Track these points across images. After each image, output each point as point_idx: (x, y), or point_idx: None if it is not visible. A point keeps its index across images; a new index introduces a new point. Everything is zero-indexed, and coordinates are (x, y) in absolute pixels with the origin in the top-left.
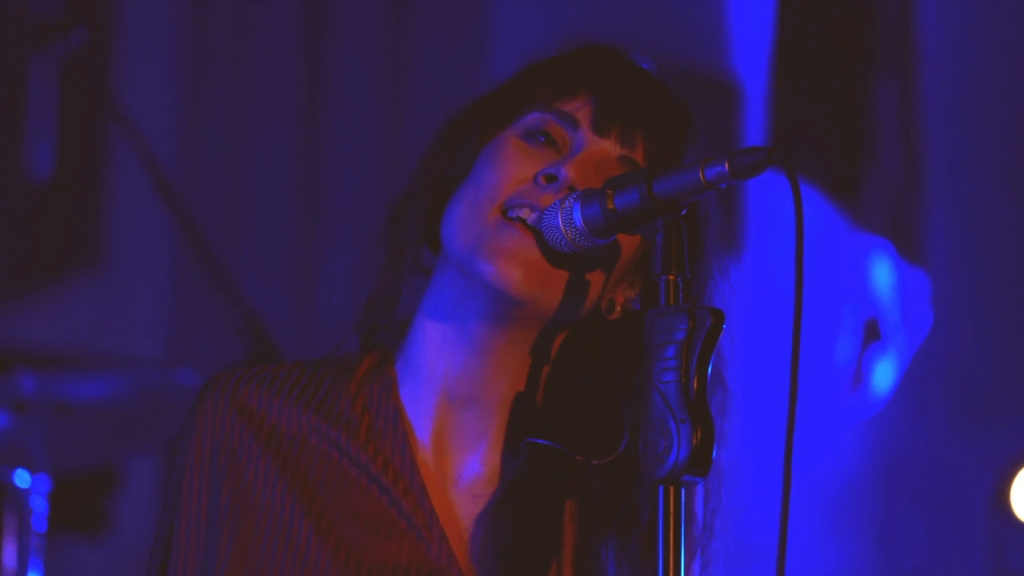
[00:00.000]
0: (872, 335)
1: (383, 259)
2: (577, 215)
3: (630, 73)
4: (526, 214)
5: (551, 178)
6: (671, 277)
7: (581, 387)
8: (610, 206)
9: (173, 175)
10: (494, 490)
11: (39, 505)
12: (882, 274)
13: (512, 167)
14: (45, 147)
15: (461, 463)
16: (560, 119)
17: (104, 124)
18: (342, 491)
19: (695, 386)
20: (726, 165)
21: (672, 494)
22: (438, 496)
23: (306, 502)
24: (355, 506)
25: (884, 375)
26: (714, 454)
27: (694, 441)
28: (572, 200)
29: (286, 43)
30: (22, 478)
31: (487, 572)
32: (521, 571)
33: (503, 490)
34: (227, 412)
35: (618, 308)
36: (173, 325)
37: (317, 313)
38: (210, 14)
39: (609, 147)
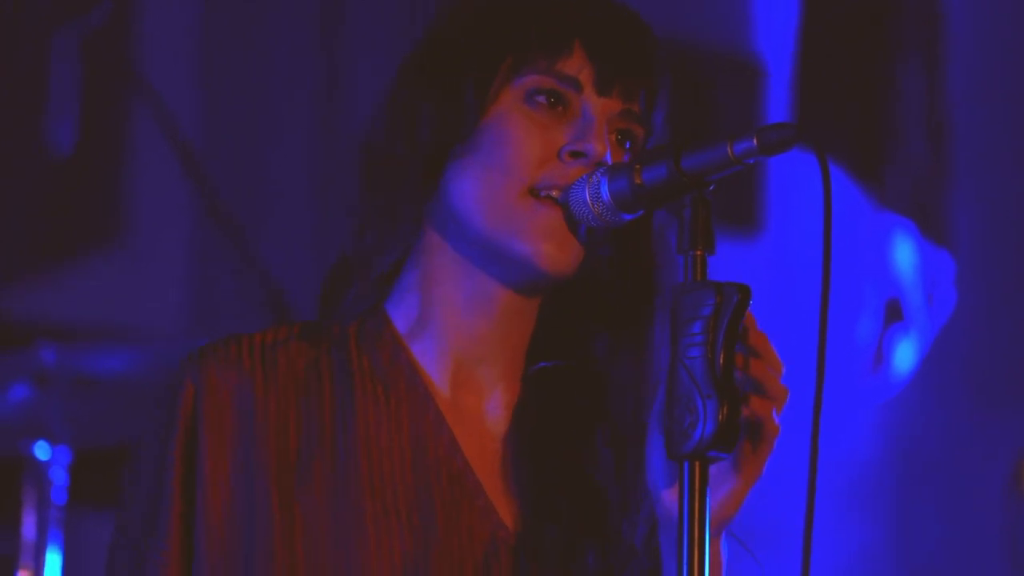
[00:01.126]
0: (894, 315)
1: (364, 214)
2: (605, 190)
3: (620, 20)
4: (556, 193)
5: (578, 155)
6: (698, 252)
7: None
8: (638, 181)
9: (195, 149)
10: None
11: (59, 477)
12: (905, 254)
13: (530, 143)
14: (67, 122)
15: (480, 409)
16: (562, 82)
17: (126, 99)
18: (375, 454)
19: (721, 361)
20: (754, 140)
21: (698, 469)
22: (465, 446)
23: (341, 468)
24: (390, 466)
25: (905, 356)
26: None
27: (720, 416)
28: (599, 175)
29: (306, 15)
30: (42, 450)
31: (519, 506)
32: (552, 499)
33: (516, 421)
34: (237, 377)
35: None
36: (194, 299)
37: None
38: None
39: (612, 104)
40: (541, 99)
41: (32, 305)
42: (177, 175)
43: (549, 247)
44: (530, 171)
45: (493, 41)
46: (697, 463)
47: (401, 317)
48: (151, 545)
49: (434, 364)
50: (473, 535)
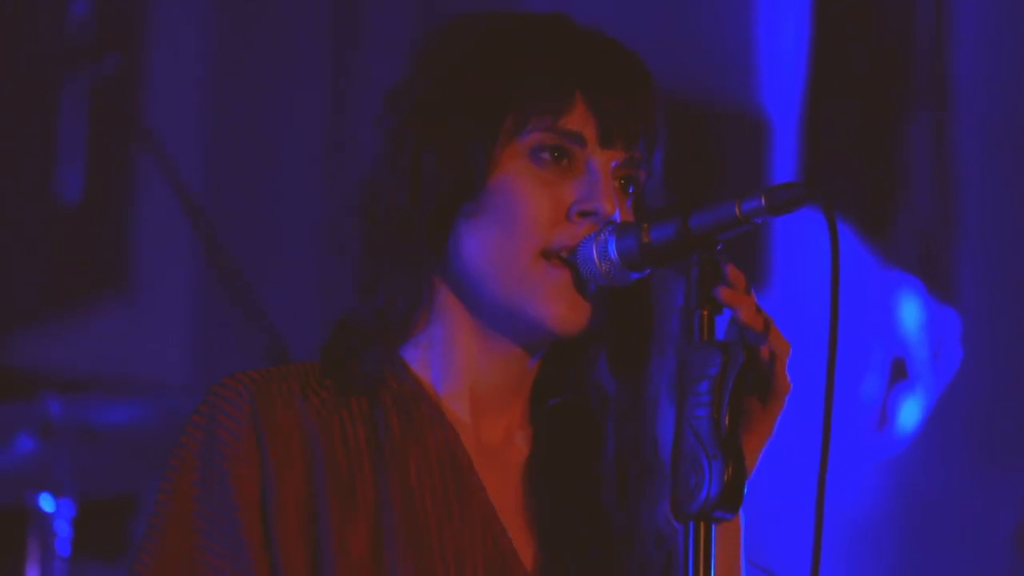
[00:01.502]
0: (899, 374)
1: (370, 272)
2: (612, 248)
3: (620, 68)
4: (565, 254)
5: (587, 214)
6: (705, 312)
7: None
8: (645, 240)
9: (201, 200)
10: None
11: (63, 529)
12: (911, 312)
13: (539, 204)
14: (75, 171)
15: (501, 449)
16: (566, 138)
17: (133, 149)
18: (401, 482)
19: (727, 422)
20: (762, 200)
21: (703, 530)
22: (488, 483)
23: (375, 491)
24: (423, 494)
25: (910, 414)
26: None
27: (725, 477)
28: (607, 233)
29: (314, 69)
30: (47, 502)
31: (532, 538)
32: (561, 533)
33: (533, 457)
34: (280, 399)
35: None
36: (199, 349)
37: None
38: (239, 40)
39: (616, 154)
40: (546, 156)
41: (37, 356)
42: (182, 226)
43: (562, 309)
44: (542, 233)
45: (495, 98)
46: (702, 523)
47: (420, 365)
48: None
49: (456, 404)
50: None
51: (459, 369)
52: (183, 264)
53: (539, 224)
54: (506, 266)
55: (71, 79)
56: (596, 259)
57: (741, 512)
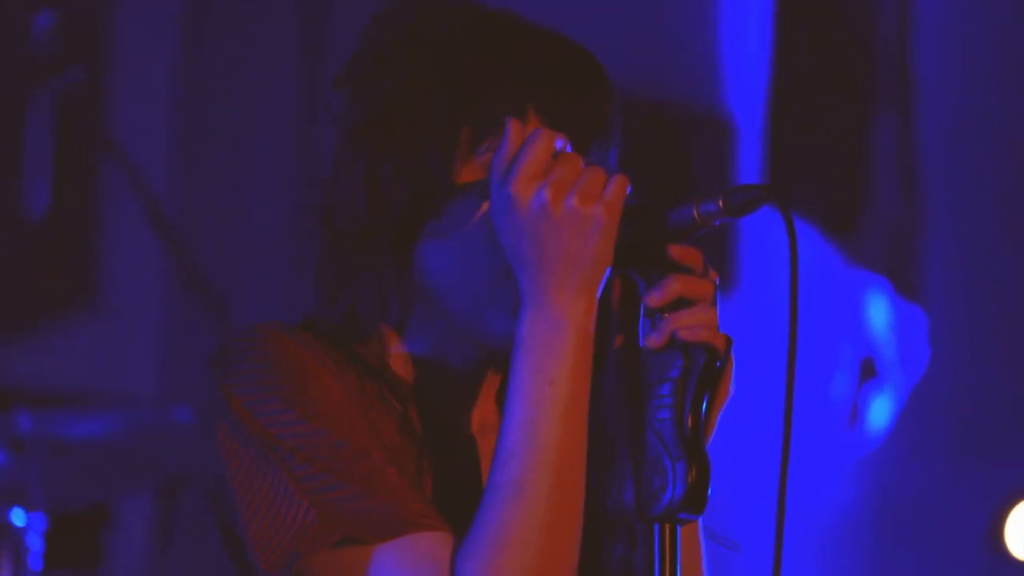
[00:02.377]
0: (868, 372)
1: (330, 281)
2: None
3: (573, 76)
4: None
5: None
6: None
7: None
8: None
9: (169, 211)
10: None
11: (35, 544)
12: (878, 311)
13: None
14: (42, 184)
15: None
16: None
17: (100, 161)
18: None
19: (689, 424)
20: (720, 203)
21: (668, 532)
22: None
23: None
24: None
25: (880, 412)
26: (710, 492)
27: (689, 479)
28: None
29: (282, 80)
30: (18, 516)
31: None
32: None
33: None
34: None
35: None
36: (170, 362)
37: None
38: (205, 52)
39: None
40: None
41: (6, 371)
42: (150, 238)
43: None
44: (503, 254)
45: (452, 112)
46: (667, 525)
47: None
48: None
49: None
50: None
51: (431, 373)
52: (152, 276)
53: (498, 245)
54: (470, 287)
55: (36, 92)
56: None
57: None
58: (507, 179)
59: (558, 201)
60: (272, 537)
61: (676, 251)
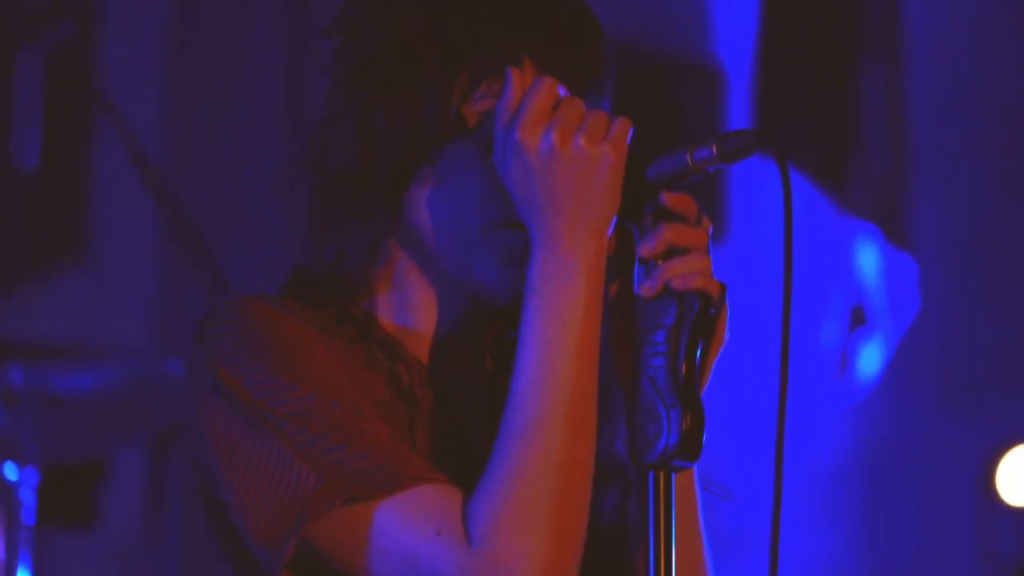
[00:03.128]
0: (858, 320)
1: (321, 227)
2: None
3: (568, 24)
4: (517, 218)
5: None
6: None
7: None
8: None
9: (160, 166)
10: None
11: (28, 498)
12: (868, 258)
13: (492, 171)
14: (31, 139)
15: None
16: None
17: (90, 116)
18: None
19: (684, 371)
20: (714, 148)
21: (662, 479)
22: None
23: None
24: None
25: (871, 360)
26: (704, 439)
27: (684, 426)
28: None
29: (273, 31)
30: (11, 471)
31: None
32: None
33: (492, 388)
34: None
35: None
36: (161, 316)
37: None
38: (195, 4)
39: None
40: None
41: None
42: (141, 191)
43: (515, 275)
44: (495, 202)
45: (448, 59)
46: (661, 472)
47: (383, 320)
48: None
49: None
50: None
51: (421, 326)
52: (143, 230)
53: (492, 193)
54: (461, 235)
55: (26, 47)
56: None
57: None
58: (513, 125)
59: (566, 142)
60: (270, 508)
61: (670, 199)
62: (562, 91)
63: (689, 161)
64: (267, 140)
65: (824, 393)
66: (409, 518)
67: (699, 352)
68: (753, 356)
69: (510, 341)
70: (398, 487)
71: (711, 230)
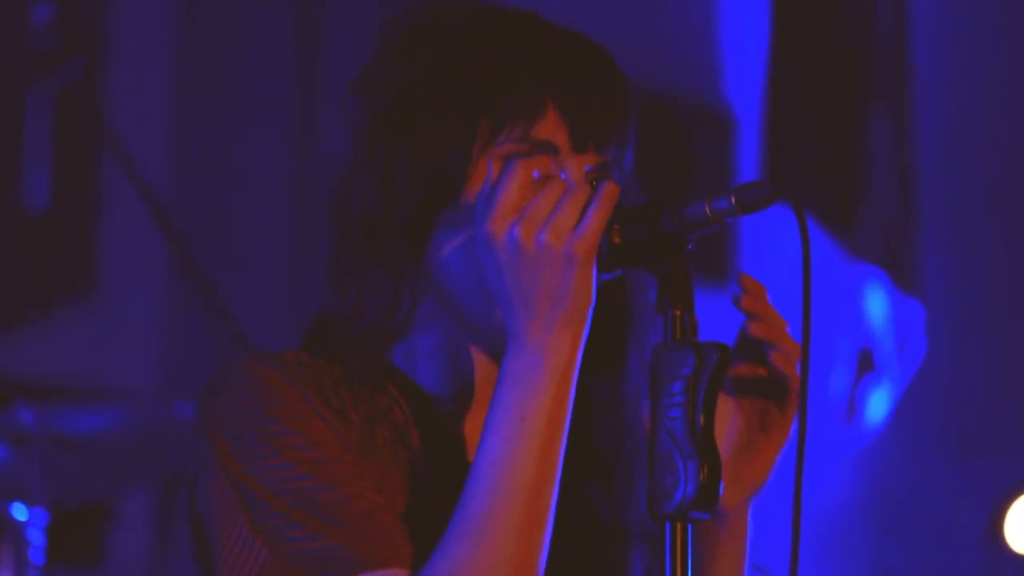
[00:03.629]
0: (866, 365)
1: (343, 275)
2: None
3: (591, 71)
4: None
5: None
6: (677, 312)
7: None
8: (616, 241)
9: (168, 205)
10: None
11: (36, 538)
12: (876, 304)
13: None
14: (41, 178)
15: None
16: (539, 148)
17: (99, 154)
18: (413, 473)
19: (702, 421)
20: (732, 200)
21: (680, 530)
22: None
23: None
24: (435, 495)
25: (878, 405)
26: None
27: (701, 477)
28: None
29: (279, 71)
30: (19, 511)
31: None
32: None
33: None
34: (300, 369)
35: None
36: (169, 356)
37: None
38: (203, 43)
39: (588, 158)
40: None
41: (6, 364)
42: (149, 231)
43: None
44: None
45: (468, 105)
46: (678, 523)
47: (411, 371)
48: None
49: (449, 406)
50: None
51: (450, 376)
52: (151, 270)
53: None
54: (483, 280)
55: (35, 86)
56: None
57: (750, 517)
58: (483, 216)
59: (529, 238)
60: (232, 573)
61: (758, 329)
62: (537, 174)
63: (708, 212)
64: (275, 181)
65: (831, 438)
66: None
67: (716, 403)
68: None
69: None
70: (349, 571)
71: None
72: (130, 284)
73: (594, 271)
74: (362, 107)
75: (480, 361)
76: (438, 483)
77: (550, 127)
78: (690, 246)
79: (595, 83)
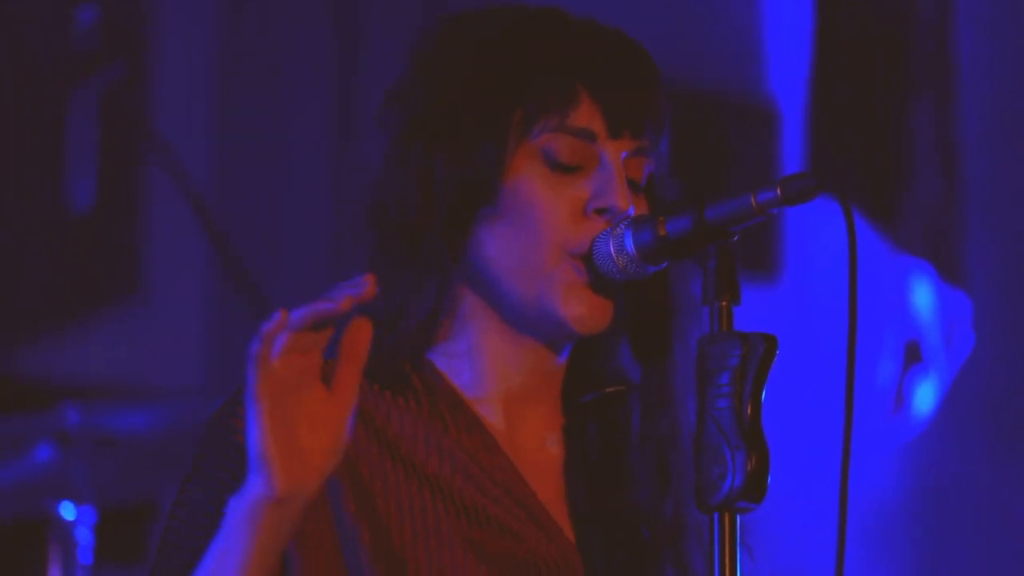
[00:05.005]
0: (913, 357)
1: (384, 277)
2: (629, 242)
3: (622, 58)
4: (583, 250)
5: (603, 211)
6: (723, 303)
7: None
8: (662, 233)
9: (212, 204)
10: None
11: (84, 537)
12: (923, 296)
13: (557, 206)
14: (85, 179)
15: (536, 445)
16: (576, 135)
17: (143, 156)
18: (452, 486)
19: (749, 412)
20: (777, 191)
21: (728, 521)
22: (527, 476)
23: (424, 497)
24: (468, 500)
25: (925, 397)
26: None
27: (749, 467)
28: (623, 227)
29: (321, 69)
30: (68, 510)
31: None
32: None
33: (569, 449)
34: None
35: None
36: (214, 355)
37: None
38: (245, 44)
39: (625, 144)
40: (558, 156)
41: (53, 365)
42: (193, 230)
43: (582, 309)
44: (560, 233)
45: (501, 100)
46: (726, 514)
47: (449, 372)
48: None
49: (489, 409)
50: (542, 557)
51: (490, 374)
52: (196, 269)
53: (557, 225)
54: (528, 268)
55: (80, 88)
56: (613, 254)
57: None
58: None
59: None
60: None
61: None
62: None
63: (753, 203)
64: (318, 179)
65: (878, 431)
66: None
67: (764, 394)
68: (807, 394)
69: (585, 405)
70: None
71: None
72: (174, 284)
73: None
74: (395, 114)
75: (520, 359)
76: (471, 486)
77: (585, 114)
78: (735, 238)
79: (625, 69)
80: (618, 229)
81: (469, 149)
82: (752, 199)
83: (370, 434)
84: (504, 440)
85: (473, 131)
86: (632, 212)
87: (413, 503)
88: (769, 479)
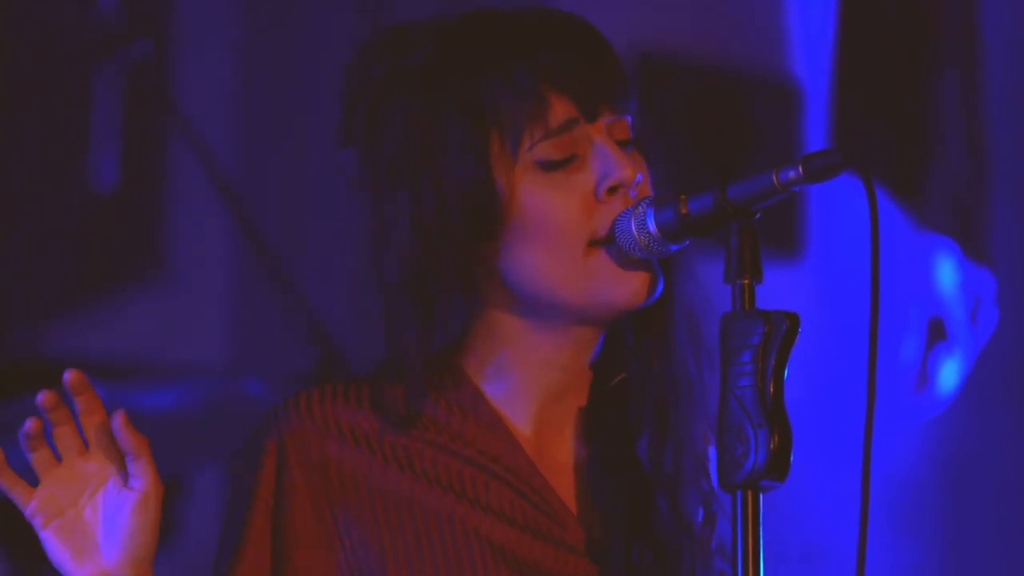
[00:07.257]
0: (937, 334)
1: (399, 316)
2: (651, 220)
3: (572, 44)
4: (605, 233)
5: (614, 188)
6: (746, 281)
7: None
8: (684, 211)
9: (235, 182)
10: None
11: None
12: (947, 273)
13: (567, 202)
14: (109, 157)
15: (556, 448)
16: (560, 131)
17: (167, 133)
18: (470, 491)
19: (771, 390)
20: (800, 169)
21: (750, 499)
22: (549, 476)
23: (439, 504)
24: (491, 503)
25: (949, 374)
26: (791, 459)
27: (771, 445)
28: (644, 206)
29: (344, 46)
30: None
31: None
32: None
33: (591, 445)
34: (315, 434)
35: None
36: (238, 333)
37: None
38: (268, 21)
39: (604, 119)
40: (553, 159)
41: (76, 343)
42: (217, 208)
43: (633, 284)
44: (581, 226)
45: (474, 130)
46: (749, 492)
47: (473, 360)
48: None
49: (511, 405)
50: (565, 558)
51: (518, 382)
52: (220, 248)
53: (574, 219)
54: (562, 272)
55: (103, 66)
56: (635, 232)
57: None
58: None
59: None
60: None
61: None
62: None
63: (775, 181)
64: (342, 156)
65: (902, 407)
66: None
67: (786, 372)
68: (831, 371)
69: (611, 406)
70: None
71: None
72: (198, 262)
73: None
74: (363, 163)
75: (555, 360)
76: (495, 492)
77: (560, 110)
78: (758, 215)
79: (577, 48)
80: (639, 208)
81: (461, 187)
82: (774, 177)
83: (366, 454)
84: (529, 446)
85: (458, 171)
86: (640, 178)
87: (426, 509)
88: (792, 457)
